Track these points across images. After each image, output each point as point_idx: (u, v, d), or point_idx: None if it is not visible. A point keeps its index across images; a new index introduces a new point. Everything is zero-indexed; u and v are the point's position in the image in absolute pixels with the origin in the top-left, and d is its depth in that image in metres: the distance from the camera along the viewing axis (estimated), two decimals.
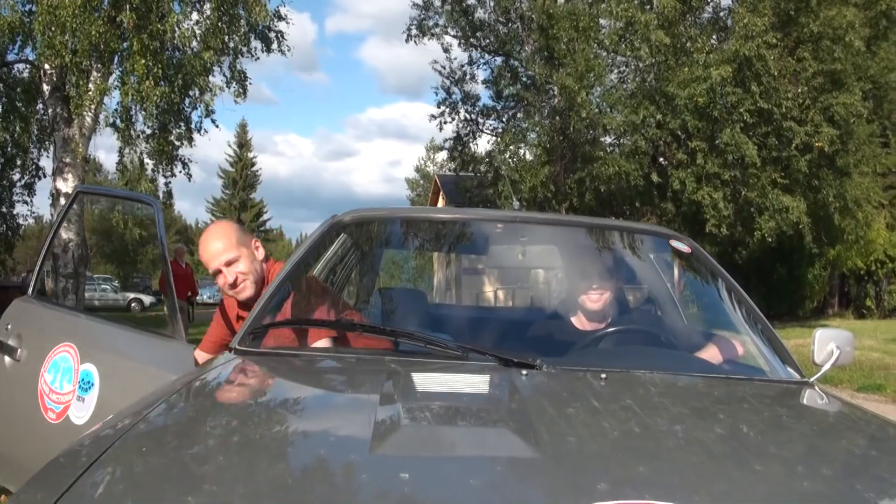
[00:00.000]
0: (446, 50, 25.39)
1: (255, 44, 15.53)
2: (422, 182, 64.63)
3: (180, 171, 15.75)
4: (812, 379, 2.60)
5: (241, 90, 15.21)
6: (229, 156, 72.99)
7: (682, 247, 3.31)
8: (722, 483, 1.44)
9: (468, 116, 25.77)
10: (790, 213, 21.63)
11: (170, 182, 15.64)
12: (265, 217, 76.91)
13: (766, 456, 1.68)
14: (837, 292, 37.21)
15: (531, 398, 2.00)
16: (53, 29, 12.29)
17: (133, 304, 39.09)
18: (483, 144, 27.52)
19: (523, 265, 4.21)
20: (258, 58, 15.72)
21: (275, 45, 15.68)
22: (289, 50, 15.85)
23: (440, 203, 32.33)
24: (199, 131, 15.34)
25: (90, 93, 13.13)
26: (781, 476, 1.54)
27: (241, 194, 72.77)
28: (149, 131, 14.50)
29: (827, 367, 2.72)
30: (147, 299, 39.94)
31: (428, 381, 2.15)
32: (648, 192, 22.44)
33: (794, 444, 1.87)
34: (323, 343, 2.79)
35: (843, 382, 11.88)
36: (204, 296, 48.56)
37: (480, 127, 25.80)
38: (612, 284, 3.22)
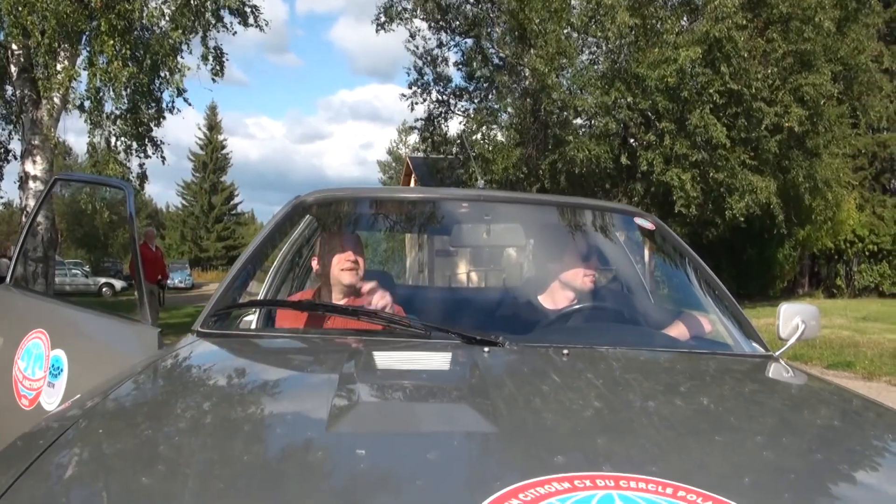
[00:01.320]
0: (413, 35, 25.32)
1: (230, 19, 15.37)
2: (394, 164, 64.52)
3: (153, 153, 15.56)
4: (777, 353, 2.61)
5: (217, 68, 15.06)
6: (199, 139, 72.57)
7: (647, 224, 3.31)
8: (681, 454, 1.44)
9: (440, 97, 25.73)
10: (760, 193, 21.75)
11: (144, 164, 15.44)
12: (236, 200, 76.52)
13: (728, 428, 1.69)
14: (808, 272, 37.54)
15: (491, 374, 2.00)
16: (21, 9, 12.12)
17: (104, 289, 38.77)
18: (455, 126, 27.47)
19: (490, 244, 4.20)
20: (235, 32, 15.55)
21: (251, 21, 15.52)
22: (266, 24, 15.70)
23: (412, 185, 32.26)
24: (171, 111, 15.15)
25: (59, 74, 12.97)
26: (744, 448, 1.54)
27: (211, 177, 72.30)
28: (118, 113, 14.27)
29: (792, 341, 2.72)
30: (118, 284, 39.55)
31: (389, 360, 2.15)
32: (619, 174, 22.47)
33: (757, 416, 1.88)
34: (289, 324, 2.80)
35: (814, 360, 12.04)
36: (175, 280, 48.44)
37: (452, 108, 25.77)
38: (571, 265, 3.19)
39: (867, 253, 37.26)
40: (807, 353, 12.24)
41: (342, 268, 3.02)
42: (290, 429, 1.52)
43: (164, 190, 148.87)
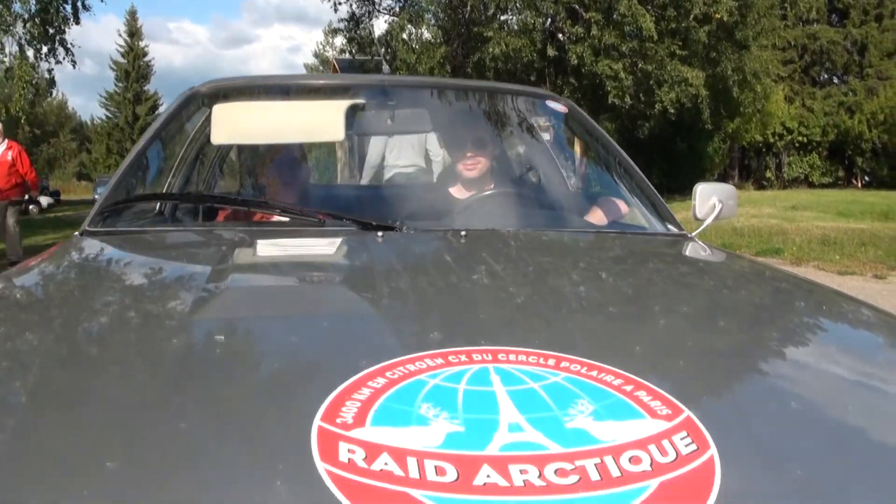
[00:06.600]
0: None
1: None
2: (321, 68, 63.46)
3: (64, 58, 15.01)
4: (693, 233, 2.54)
5: None
6: (120, 46, 70.13)
7: (559, 107, 3.20)
8: (568, 327, 1.38)
9: None
10: (690, 84, 21.80)
11: (52, 69, 14.91)
12: (161, 110, 74.08)
13: (625, 300, 1.62)
14: (738, 165, 38.24)
15: (380, 257, 1.94)
16: None
17: (31, 207, 37.93)
18: (381, 25, 26.99)
19: (395, 131, 4.06)
20: None
21: None
22: None
23: None
24: (85, 8, 14.55)
25: None
26: (638, 319, 1.48)
27: (134, 87, 69.94)
28: (26, 15, 13.69)
29: (709, 220, 2.66)
30: (45, 200, 38.67)
31: (270, 248, 2.07)
32: (547, 68, 22.34)
33: (660, 289, 1.79)
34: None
35: (742, 248, 12.19)
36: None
37: (377, 6, 25.21)
38: (487, 150, 3.06)
39: (797, 145, 38.07)
40: (735, 241, 12.40)
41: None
42: (150, 319, 1.42)
43: (88, 102, 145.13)
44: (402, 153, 5.99)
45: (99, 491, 0.83)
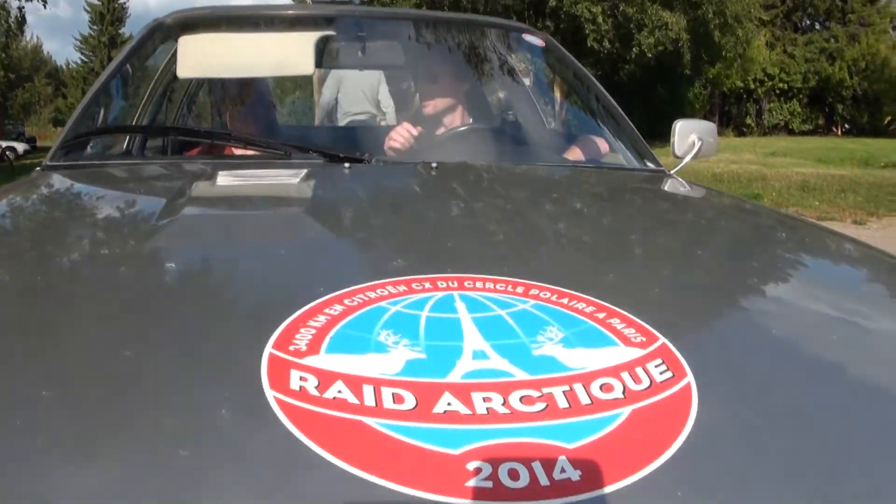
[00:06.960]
0: None
1: None
2: None
3: None
4: (673, 171, 2.48)
5: None
6: None
7: (536, 41, 3.11)
8: (539, 255, 1.34)
9: None
10: (669, 28, 21.73)
11: (23, 7, 14.74)
12: None
13: (598, 230, 1.60)
14: (718, 111, 38.19)
15: (345, 187, 1.89)
16: None
17: (7, 153, 37.46)
18: None
19: (366, 64, 3.97)
20: None
21: None
22: None
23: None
24: None
25: None
26: (613, 250, 1.44)
27: (109, 30, 68.54)
28: None
29: (688, 158, 2.60)
30: (21, 147, 38.25)
31: (232, 179, 1.99)
32: (526, 10, 22.22)
33: (635, 221, 1.73)
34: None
35: None
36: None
37: None
38: (461, 85, 2.97)
39: (777, 91, 38.05)
40: (714, 186, 12.36)
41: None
42: (106, 250, 1.39)
43: (63, 47, 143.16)
44: (357, 101, 5.94)
45: (32, 419, 0.78)
